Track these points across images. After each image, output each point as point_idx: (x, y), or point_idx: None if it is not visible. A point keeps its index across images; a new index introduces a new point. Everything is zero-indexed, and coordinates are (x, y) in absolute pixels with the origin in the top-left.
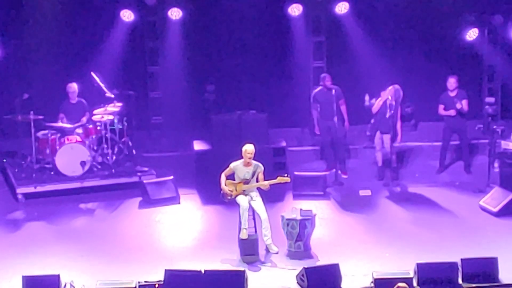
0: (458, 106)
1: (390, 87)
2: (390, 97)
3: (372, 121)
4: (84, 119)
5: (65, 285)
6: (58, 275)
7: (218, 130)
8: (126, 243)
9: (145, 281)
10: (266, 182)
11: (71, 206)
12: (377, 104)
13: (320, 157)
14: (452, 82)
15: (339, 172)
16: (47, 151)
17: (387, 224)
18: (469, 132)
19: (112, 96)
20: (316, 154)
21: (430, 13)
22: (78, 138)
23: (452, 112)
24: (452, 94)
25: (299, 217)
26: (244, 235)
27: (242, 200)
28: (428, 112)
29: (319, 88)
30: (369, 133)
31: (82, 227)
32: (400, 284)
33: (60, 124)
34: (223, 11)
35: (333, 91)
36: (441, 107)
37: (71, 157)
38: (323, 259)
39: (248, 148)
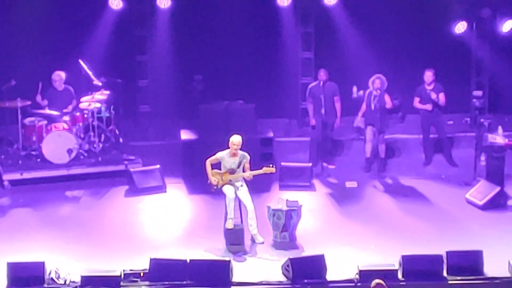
0: (433, 96)
1: (373, 77)
2: (372, 88)
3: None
4: (70, 107)
5: (50, 272)
6: (43, 262)
7: (205, 119)
8: (112, 231)
9: (130, 269)
10: (249, 173)
11: (57, 193)
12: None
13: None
14: (428, 75)
15: (324, 164)
16: (34, 138)
17: (373, 216)
18: (456, 125)
19: (100, 84)
20: (303, 145)
21: (419, 5)
22: (65, 126)
23: (428, 107)
24: (429, 87)
25: (285, 208)
26: (230, 225)
27: (228, 190)
28: None
29: (315, 82)
30: (361, 125)
31: (68, 215)
32: (377, 280)
33: (47, 111)
34: (212, 0)
35: (321, 83)
36: (416, 99)
37: (57, 145)
38: (308, 250)
39: (235, 140)
